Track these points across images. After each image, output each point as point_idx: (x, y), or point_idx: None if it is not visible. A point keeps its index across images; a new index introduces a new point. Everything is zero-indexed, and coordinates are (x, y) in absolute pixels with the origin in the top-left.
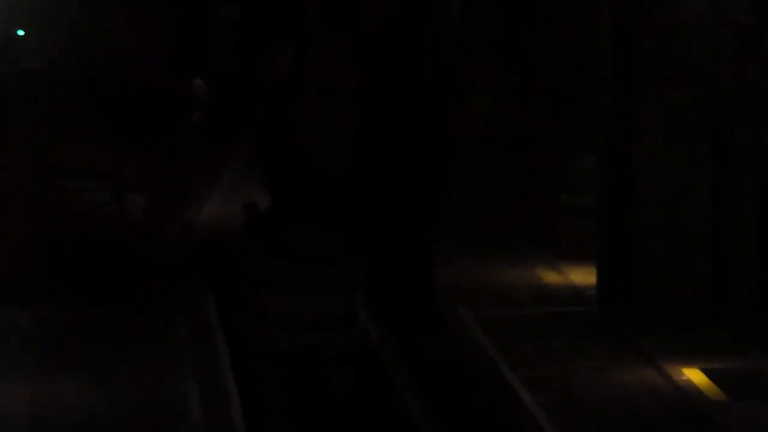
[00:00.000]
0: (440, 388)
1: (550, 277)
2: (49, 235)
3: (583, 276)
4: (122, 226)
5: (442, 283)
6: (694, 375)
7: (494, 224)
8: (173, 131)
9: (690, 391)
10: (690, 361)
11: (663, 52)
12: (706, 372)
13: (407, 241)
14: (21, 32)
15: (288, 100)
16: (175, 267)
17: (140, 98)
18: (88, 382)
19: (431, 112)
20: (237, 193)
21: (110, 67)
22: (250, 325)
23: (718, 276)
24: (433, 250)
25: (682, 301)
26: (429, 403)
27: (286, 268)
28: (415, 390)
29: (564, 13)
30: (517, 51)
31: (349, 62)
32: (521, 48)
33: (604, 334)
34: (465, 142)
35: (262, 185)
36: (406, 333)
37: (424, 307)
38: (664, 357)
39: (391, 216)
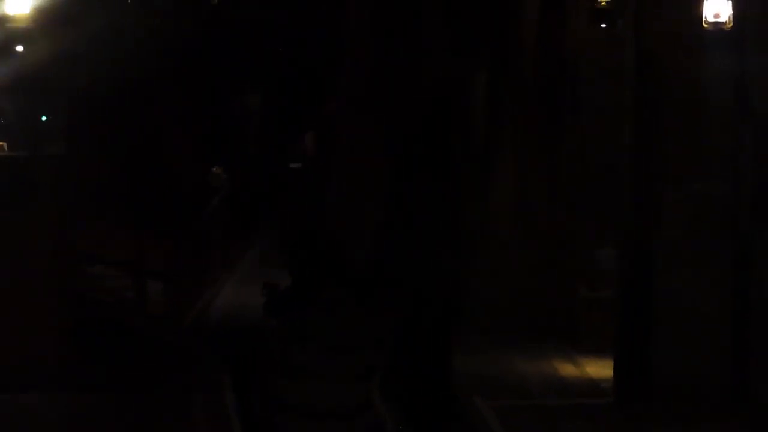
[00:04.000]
0: None
1: (567, 369)
2: (70, 322)
3: (600, 369)
4: (141, 312)
5: (457, 371)
6: None
7: (511, 314)
8: (192, 218)
9: None
10: None
11: (685, 145)
12: None
13: (426, 329)
14: (44, 118)
15: (313, 184)
16: (193, 352)
17: (160, 185)
18: None
19: (457, 200)
20: (254, 279)
21: (130, 153)
22: (266, 412)
23: (738, 371)
24: (450, 338)
25: (700, 394)
26: None
27: (305, 356)
28: None
29: (588, 104)
30: (542, 140)
31: (379, 146)
32: (546, 138)
33: (619, 426)
34: (486, 233)
35: (283, 267)
36: (422, 422)
37: (440, 396)
38: None
39: (412, 303)
